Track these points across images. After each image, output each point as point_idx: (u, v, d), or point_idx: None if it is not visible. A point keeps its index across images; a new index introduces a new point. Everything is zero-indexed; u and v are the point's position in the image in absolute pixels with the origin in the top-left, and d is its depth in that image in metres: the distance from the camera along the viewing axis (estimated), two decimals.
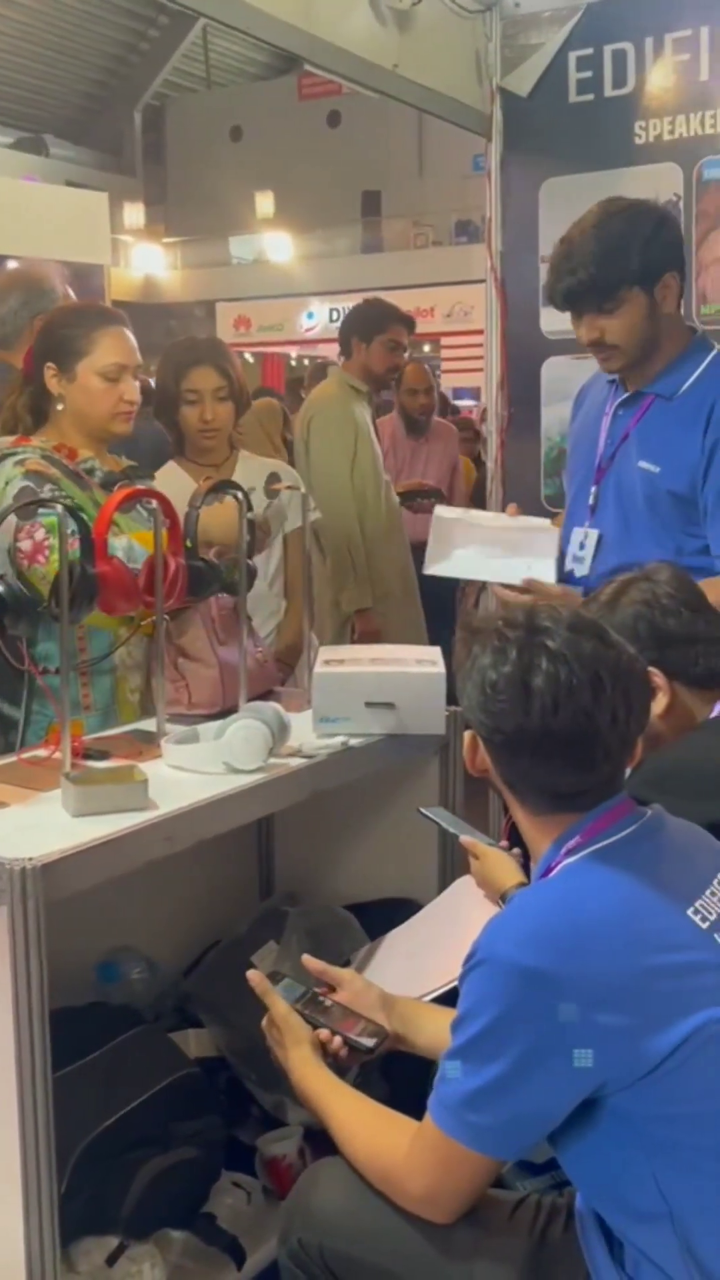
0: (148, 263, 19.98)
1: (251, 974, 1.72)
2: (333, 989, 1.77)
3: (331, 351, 16.20)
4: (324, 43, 2.82)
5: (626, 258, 2.30)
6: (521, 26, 3.40)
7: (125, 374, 2.39)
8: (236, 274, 20.57)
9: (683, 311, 2.59)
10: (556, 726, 1.39)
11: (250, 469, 3.00)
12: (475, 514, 2.52)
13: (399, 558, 4.03)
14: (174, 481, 2.82)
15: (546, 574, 2.31)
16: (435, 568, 2.42)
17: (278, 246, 19.76)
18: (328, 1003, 1.73)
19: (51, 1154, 1.56)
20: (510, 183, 3.51)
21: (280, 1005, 1.68)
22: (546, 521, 2.54)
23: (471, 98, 3.40)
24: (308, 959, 1.80)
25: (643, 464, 2.40)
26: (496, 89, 3.43)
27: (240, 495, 2.25)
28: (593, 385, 2.63)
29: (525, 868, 1.87)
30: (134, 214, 19.35)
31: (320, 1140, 2.04)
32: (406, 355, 4.22)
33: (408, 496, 4.47)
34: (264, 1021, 1.71)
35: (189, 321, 19.74)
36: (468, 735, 1.53)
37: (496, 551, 2.37)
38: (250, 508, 2.29)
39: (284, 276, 19.34)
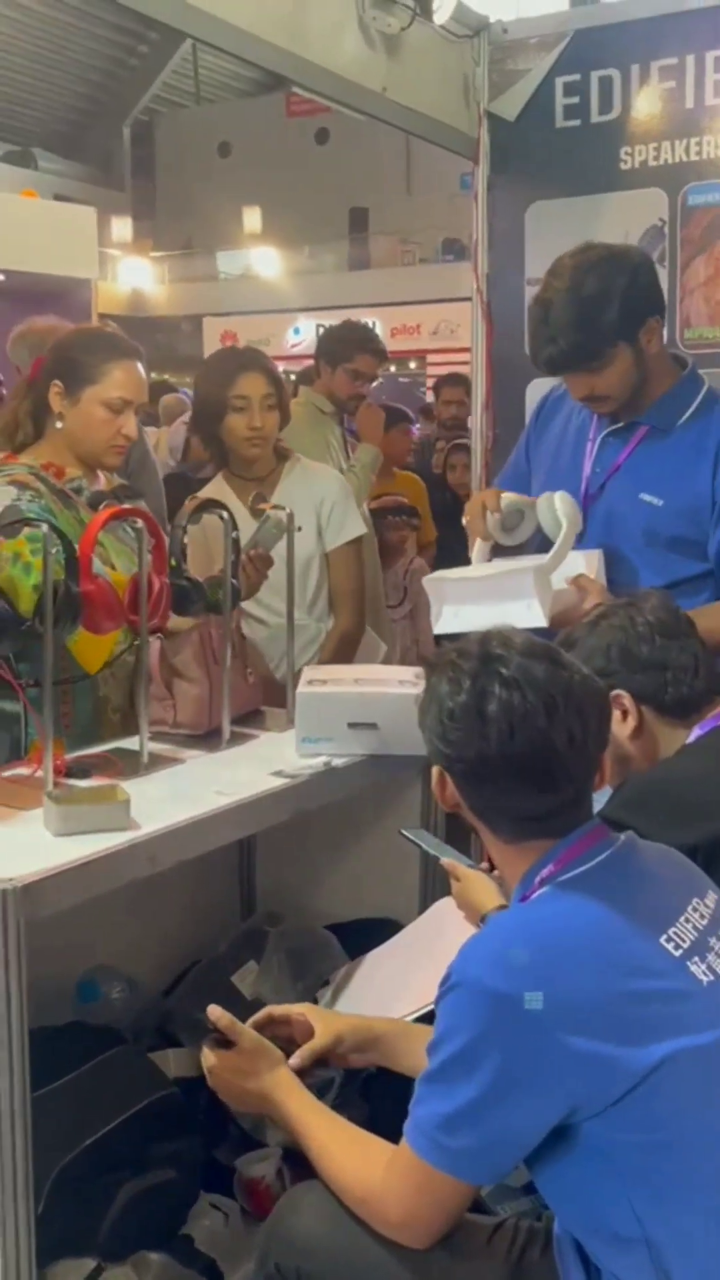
0: (135, 277, 20.02)
1: (212, 1009, 1.68)
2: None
3: None
4: (312, 65, 2.83)
5: (605, 318, 2.28)
6: (509, 52, 3.43)
7: (128, 408, 2.39)
8: (224, 289, 20.62)
9: (665, 338, 2.60)
10: (514, 751, 1.43)
11: (300, 477, 2.97)
12: (460, 570, 2.50)
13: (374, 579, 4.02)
14: (219, 497, 2.79)
15: (537, 617, 2.28)
16: (441, 627, 2.41)
17: (265, 262, 19.83)
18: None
19: (29, 1175, 1.56)
20: (497, 205, 3.54)
21: (249, 1034, 1.67)
22: (527, 561, 2.51)
23: (459, 121, 3.43)
24: (213, 1009, 1.68)
25: (645, 497, 2.39)
26: (484, 113, 3.46)
27: (225, 515, 2.26)
28: (564, 402, 2.59)
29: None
30: (122, 228, 19.39)
31: (299, 1161, 2.04)
32: (373, 385, 4.18)
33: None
34: (209, 1062, 1.67)
35: (176, 335, 19.79)
36: (435, 770, 1.55)
37: (492, 602, 2.35)
38: (236, 527, 2.30)
39: (271, 292, 19.39)
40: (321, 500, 2.95)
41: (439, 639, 2.25)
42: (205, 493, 3.01)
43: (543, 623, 2.20)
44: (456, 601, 2.34)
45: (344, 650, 2.96)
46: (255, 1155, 2.07)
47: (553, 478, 2.53)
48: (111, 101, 20.37)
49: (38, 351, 4.38)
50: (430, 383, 16.92)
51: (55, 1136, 1.75)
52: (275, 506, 2.46)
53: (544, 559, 2.31)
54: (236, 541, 2.30)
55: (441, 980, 1.39)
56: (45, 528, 1.91)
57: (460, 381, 6.16)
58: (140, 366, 2.42)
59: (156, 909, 2.27)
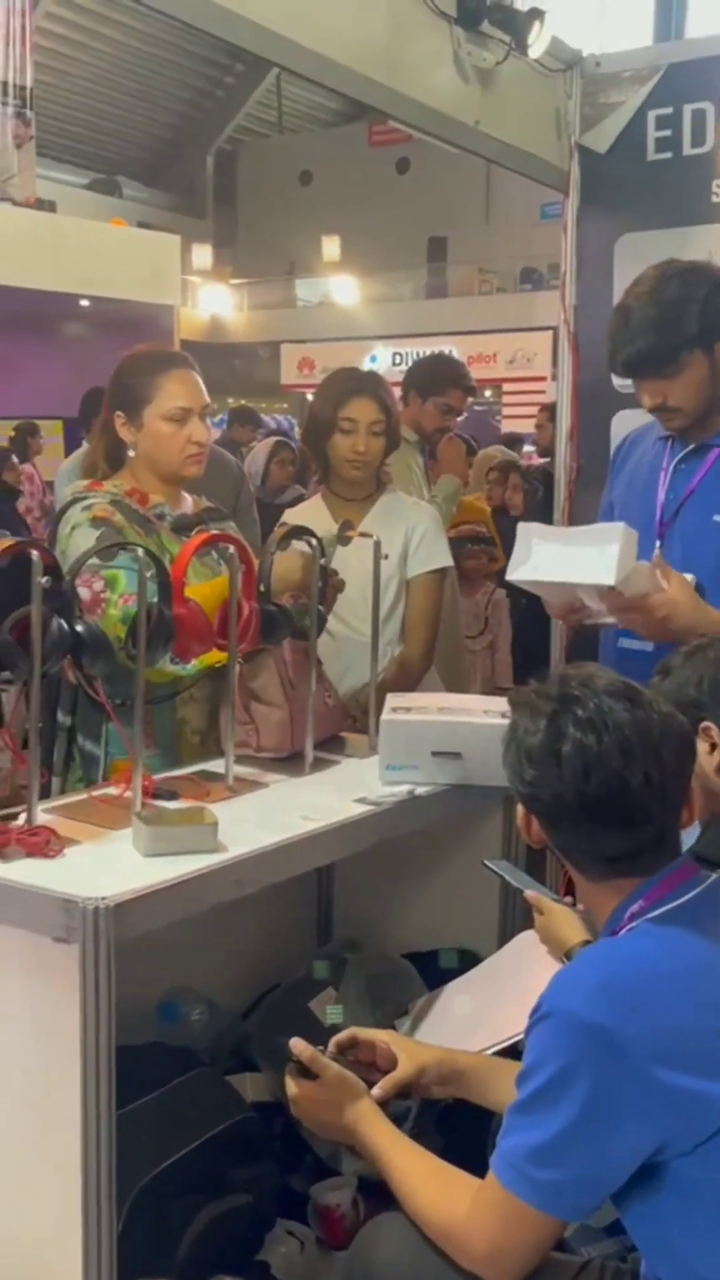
0: (214, 303, 20.28)
1: (295, 1042, 1.69)
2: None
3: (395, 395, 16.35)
4: (407, 98, 2.86)
5: (685, 322, 2.30)
6: (602, 85, 3.44)
7: (191, 416, 2.42)
8: (301, 316, 20.80)
9: None
10: (589, 792, 1.43)
11: (391, 508, 2.99)
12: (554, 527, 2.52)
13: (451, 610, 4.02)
14: (314, 517, 2.82)
15: (608, 570, 2.25)
16: (516, 574, 2.40)
17: (343, 289, 19.99)
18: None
19: (113, 1194, 1.57)
20: (586, 237, 3.54)
21: (333, 1067, 1.67)
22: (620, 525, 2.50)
23: (550, 154, 3.45)
24: (296, 1042, 1.70)
25: (719, 518, 2.39)
26: (575, 145, 3.47)
27: (314, 542, 2.28)
28: (640, 440, 2.61)
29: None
30: (203, 255, 19.65)
31: (374, 1191, 2.03)
32: (459, 420, 4.20)
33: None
34: (292, 1092, 1.68)
35: (253, 361, 19.99)
36: (520, 807, 1.55)
37: (569, 548, 2.34)
38: (324, 553, 2.31)
39: (348, 319, 19.52)
40: (414, 527, 2.97)
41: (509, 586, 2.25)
42: (304, 508, 3.05)
43: (611, 579, 2.17)
44: (541, 539, 2.32)
45: (403, 678, 2.95)
46: (331, 1183, 2.06)
47: (627, 510, 2.52)
48: (196, 131, 20.69)
49: None
50: (505, 413, 16.92)
51: (135, 1156, 1.75)
52: (362, 534, 2.47)
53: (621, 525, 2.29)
54: (324, 568, 2.32)
55: (532, 1011, 1.39)
56: (141, 552, 1.94)
57: (546, 410, 6.19)
58: (193, 373, 2.45)
59: (235, 932, 2.29)
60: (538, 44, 3.06)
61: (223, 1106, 1.93)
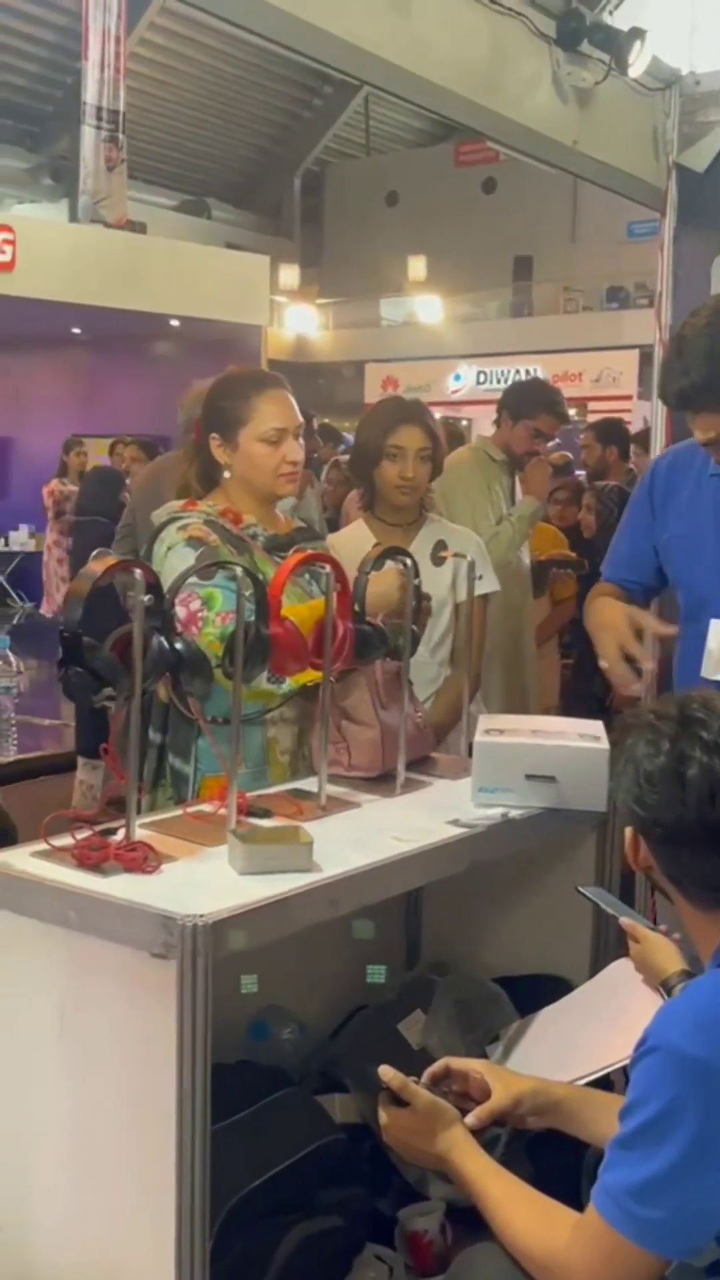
0: (300, 323, 20.42)
1: (384, 1069, 1.68)
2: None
3: (476, 414, 16.25)
4: (506, 119, 2.87)
5: None
6: (700, 104, 3.42)
7: (286, 436, 2.44)
8: (386, 335, 20.85)
9: None
10: (714, 817, 1.40)
11: (436, 533, 3.02)
12: None
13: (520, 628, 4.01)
14: (359, 541, 2.85)
15: None
16: (711, 672, 2.40)
17: (428, 309, 20.01)
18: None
19: (207, 1211, 1.57)
20: (682, 255, 3.52)
21: (424, 1094, 1.66)
22: None
23: (647, 173, 3.43)
24: (385, 1070, 1.69)
25: None
26: (673, 164, 3.44)
27: (409, 562, 2.28)
28: (679, 473, 2.54)
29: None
30: (289, 275, 19.80)
31: (463, 1217, 2.01)
32: (550, 444, 4.19)
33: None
34: (383, 1119, 1.67)
35: (337, 381, 20.08)
36: (628, 831, 1.53)
37: None
38: (417, 574, 2.31)
39: (433, 338, 19.52)
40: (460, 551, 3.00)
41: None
42: (347, 534, 3.08)
43: None
44: None
45: (454, 701, 2.97)
46: (419, 1208, 2.05)
47: (696, 554, 2.48)
48: (284, 153, 20.87)
49: (193, 417, 4.69)
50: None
51: (227, 1174, 1.76)
52: (456, 554, 2.47)
53: None
54: (418, 589, 2.31)
55: (637, 1044, 1.37)
56: (240, 570, 1.96)
57: (593, 429, 6.13)
58: (286, 393, 2.47)
59: (323, 951, 2.28)
60: (638, 63, 3.05)
61: (313, 1127, 1.93)
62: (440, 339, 19.47)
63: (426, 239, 20.54)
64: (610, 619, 2.45)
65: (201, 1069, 1.55)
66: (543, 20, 2.88)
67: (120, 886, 1.67)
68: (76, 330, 10.67)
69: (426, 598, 2.39)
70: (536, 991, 2.26)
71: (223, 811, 1.96)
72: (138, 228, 12.44)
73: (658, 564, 2.57)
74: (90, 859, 1.73)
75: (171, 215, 18.37)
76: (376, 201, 22.32)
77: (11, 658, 2.75)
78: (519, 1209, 1.49)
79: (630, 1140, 1.34)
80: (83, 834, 1.79)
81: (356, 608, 2.20)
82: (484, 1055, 2.07)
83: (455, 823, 2.04)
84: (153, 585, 1.80)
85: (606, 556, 2.66)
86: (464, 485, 3.84)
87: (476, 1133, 1.66)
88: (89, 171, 10.49)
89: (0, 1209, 1.77)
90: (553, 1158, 1.88)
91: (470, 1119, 1.64)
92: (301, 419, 2.49)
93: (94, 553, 1.88)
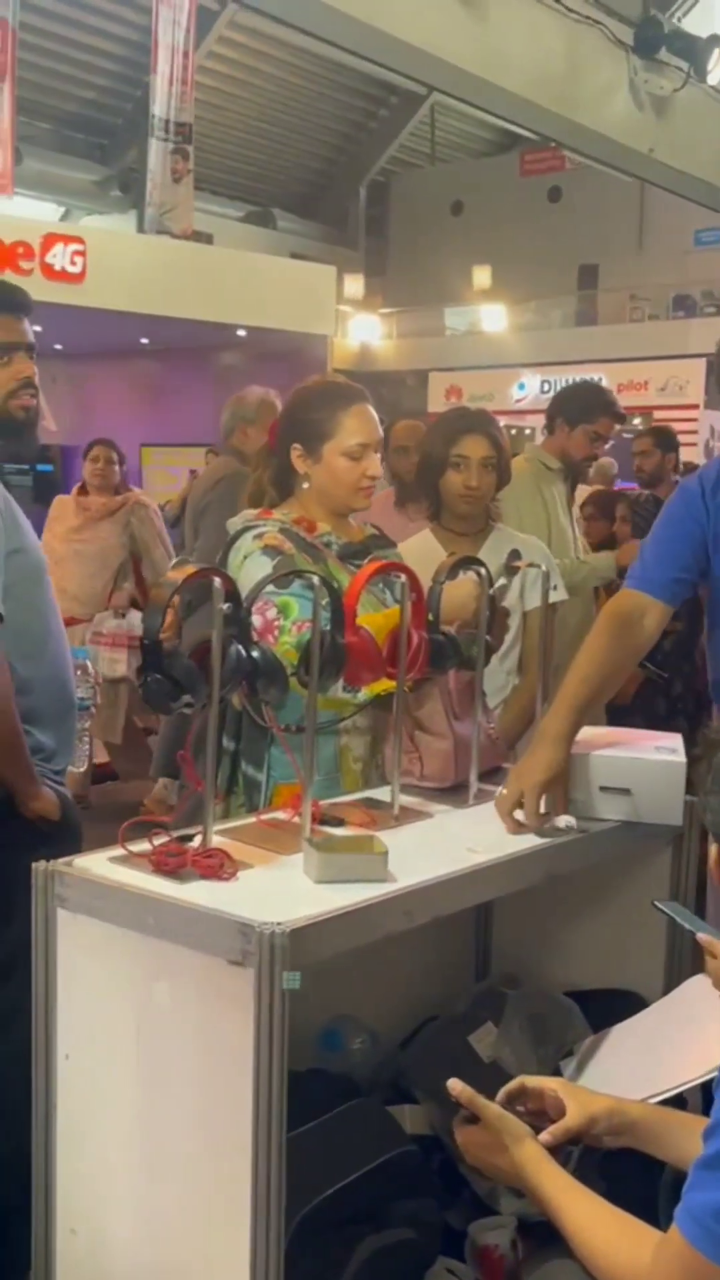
0: (364, 332, 20.48)
1: (453, 1083, 1.67)
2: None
3: (540, 423, 16.20)
4: (582, 127, 2.86)
5: None
6: None
7: (368, 451, 2.45)
8: (449, 344, 20.84)
9: None
10: None
11: (503, 542, 3.02)
12: None
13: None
14: (426, 550, 2.86)
15: None
16: None
17: (492, 318, 19.97)
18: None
19: (281, 1218, 1.57)
20: None
21: (492, 1108, 1.64)
22: None
23: None
24: (454, 1083, 1.68)
25: None
26: None
27: (484, 571, 2.27)
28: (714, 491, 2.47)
29: None
30: (354, 285, 19.87)
31: (534, 1232, 2.00)
32: (607, 446, 4.15)
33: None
34: (459, 1136, 1.66)
35: (401, 390, 20.08)
36: (714, 849, 1.51)
37: None
38: (492, 584, 2.30)
39: (497, 347, 19.48)
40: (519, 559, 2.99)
41: None
42: (412, 543, 3.08)
43: None
44: None
45: (532, 709, 2.96)
46: (489, 1222, 2.03)
47: None
48: (349, 163, 20.95)
49: (239, 420, 4.82)
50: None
51: (299, 1182, 1.75)
52: (530, 564, 2.46)
53: None
54: (494, 599, 2.30)
55: None
56: (316, 579, 1.96)
57: (650, 435, 6.03)
58: (369, 407, 2.48)
59: (394, 962, 2.28)
60: (718, 70, 3.01)
61: (385, 1137, 1.92)
62: (504, 347, 19.42)
63: (491, 248, 20.52)
64: (541, 757, 2.11)
65: (278, 1076, 1.55)
66: (620, 28, 2.86)
67: (197, 893, 1.68)
68: (144, 340, 10.79)
69: (505, 611, 2.38)
70: (609, 1006, 2.24)
71: (296, 819, 1.97)
72: (204, 238, 12.56)
73: (705, 561, 2.51)
74: (168, 865, 1.74)
75: (238, 226, 18.51)
76: (441, 211, 22.33)
77: (90, 668, 2.79)
78: (600, 1227, 1.47)
79: (713, 1161, 1.31)
80: (159, 840, 1.80)
81: (430, 617, 2.19)
82: (557, 1070, 2.05)
83: (529, 835, 2.03)
84: (231, 593, 1.81)
85: (637, 562, 2.57)
86: (513, 494, 3.82)
87: (550, 1150, 1.64)
88: (156, 183, 10.62)
89: (77, 1211, 1.78)
90: (626, 1175, 1.85)
91: (544, 1136, 1.62)
92: (381, 433, 2.50)
93: (173, 562, 1.89)
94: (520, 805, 2.05)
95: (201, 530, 4.84)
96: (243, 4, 7.45)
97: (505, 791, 2.09)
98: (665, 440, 5.87)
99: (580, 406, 3.96)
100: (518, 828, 2.04)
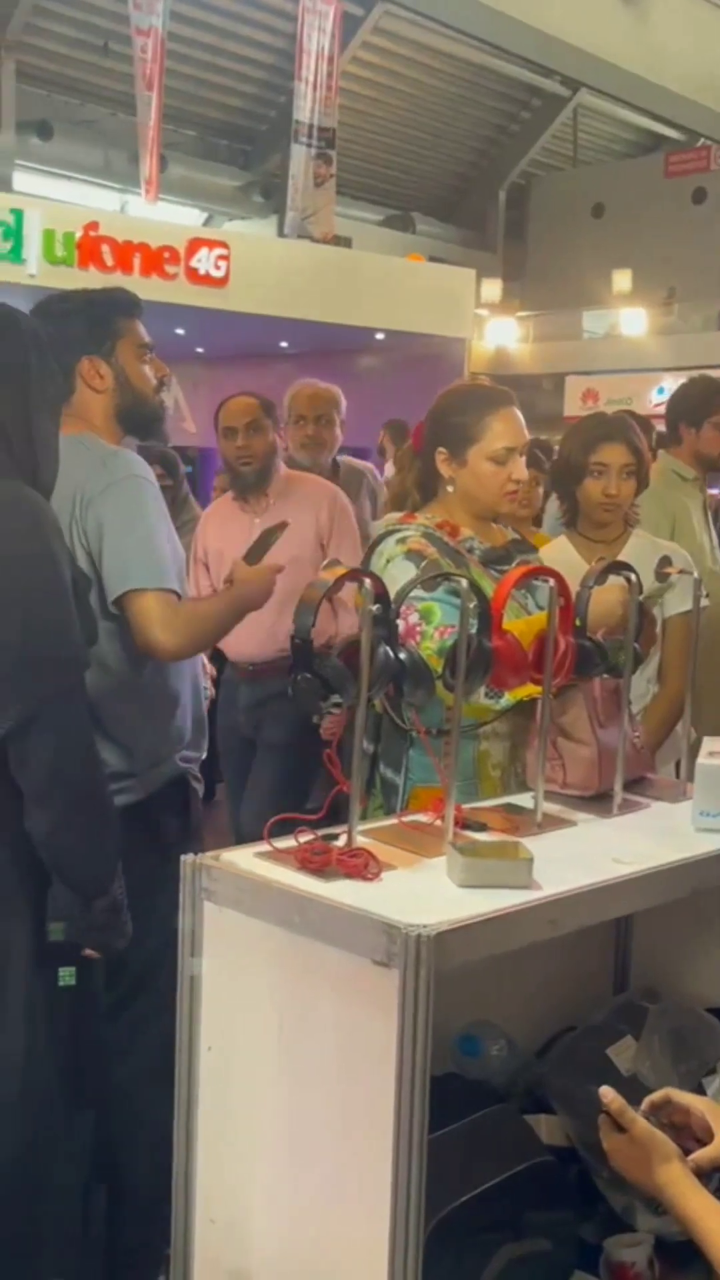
0: (500, 336, 20.36)
1: (605, 1090, 1.65)
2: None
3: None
4: None
5: None
6: None
7: (514, 455, 2.44)
8: (587, 348, 20.56)
9: None
10: None
11: (641, 549, 2.99)
12: None
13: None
14: (564, 557, 2.85)
15: None
16: None
17: (631, 321, 19.67)
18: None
19: (421, 1219, 1.57)
20: None
21: (641, 1123, 1.62)
22: None
23: None
24: (606, 1091, 1.65)
25: None
26: None
27: (633, 577, 2.24)
28: None
29: None
30: (491, 289, 19.77)
31: (672, 1253, 1.97)
32: None
33: None
34: (607, 1144, 1.65)
35: (537, 394, 19.91)
36: None
37: None
38: (641, 590, 2.27)
39: (635, 351, 19.16)
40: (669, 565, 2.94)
41: None
42: (550, 550, 3.05)
43: None
44: None
45: (672, 717, 2.91)
46: (626, 1238, 2.00)
47: None
48: (490, 167, 20.84)
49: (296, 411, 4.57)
50: None
51: (437, 1185, 1.75)
52: (682, 571, 2.42)
53: None
54: (642, 605, 2.27)
55: None
56: (465, 584, 1.96)
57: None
58: (516, 410, 2.47)
59: (532, 969, 2.26)
60: None
61: (523, 1146, 1.91)
62: (643, 351, 19.10)
63: (632, 251, 20.21)
64: None
65: (421, 1079, 1.55)
66: None
67: (343, 892, 1.69)
68: (284, 344, 10.92)
69: (653, 619, 2.35)
70: None
71: (438, 822, 1.96)
72: (344, 242, 12.65)
73: None
74: (313, 863, 1.75)
75: (376, 230, 18.57)
76: (582, 213, 22.06)
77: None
78: None
79: None
80: (304, 837, 1.82)
81: (578, 622, 2.17)
82: (699, 1086, 2.01)
83: (676, 847, 1.99)
84: (380, 595, 1.82)
85: None
86: (650, 510, 3.74)
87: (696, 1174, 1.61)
88: (298, 188, 10.75)
89: (216, 1201, 1.81)
90: None
91: (691, 1160, 1.59)
92: (528, 436, 2.49)
93: (324, 563, 1.91)
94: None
95: None
96: (401, 3, 7.47)
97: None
98: None
99: (696, 403, 3.85)
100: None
